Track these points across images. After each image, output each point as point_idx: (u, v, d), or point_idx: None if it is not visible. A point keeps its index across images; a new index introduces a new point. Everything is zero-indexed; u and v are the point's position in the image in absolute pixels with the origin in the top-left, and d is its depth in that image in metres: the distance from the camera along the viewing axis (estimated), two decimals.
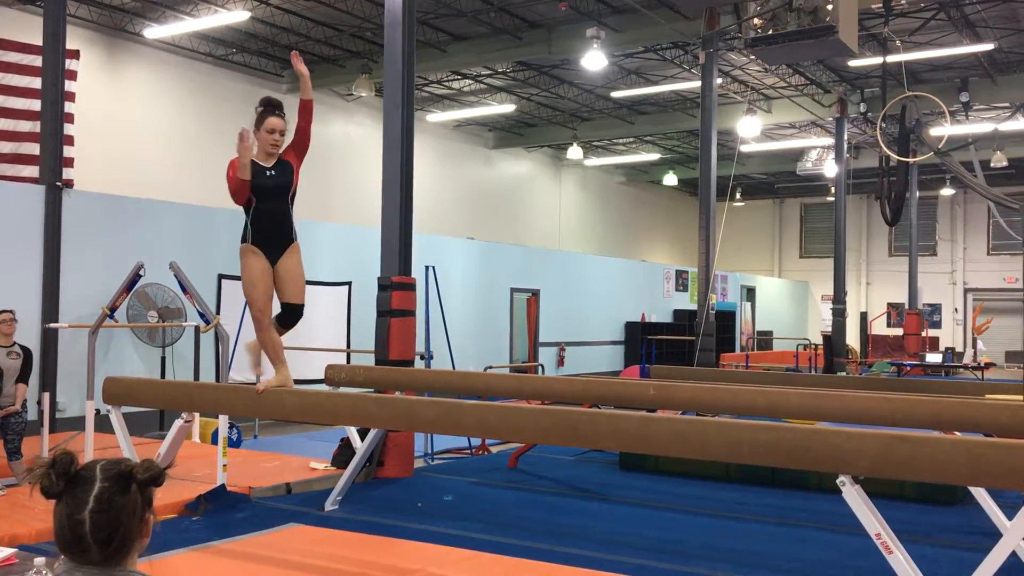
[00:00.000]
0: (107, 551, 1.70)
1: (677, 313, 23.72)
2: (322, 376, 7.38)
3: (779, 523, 6.63)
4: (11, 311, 7.40)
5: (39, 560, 2.92)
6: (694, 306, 20.44)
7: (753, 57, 15.52)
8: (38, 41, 10.87)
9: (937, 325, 29.38)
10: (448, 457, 9.69)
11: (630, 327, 21.77)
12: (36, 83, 11.17)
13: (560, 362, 19.22)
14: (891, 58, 15.25)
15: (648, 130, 22.60)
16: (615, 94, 19.62)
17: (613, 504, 7.29)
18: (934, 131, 19.10)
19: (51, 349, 9.98)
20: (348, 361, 12.20)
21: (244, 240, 5.28)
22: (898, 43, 14.80)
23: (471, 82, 19.20)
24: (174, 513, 6.40)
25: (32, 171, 11.18)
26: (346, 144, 19.51)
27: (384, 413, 5.40)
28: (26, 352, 7.32)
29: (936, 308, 29.74)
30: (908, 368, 19.75)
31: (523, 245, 21.12)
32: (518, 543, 5.74)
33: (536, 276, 18.67)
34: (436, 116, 20.95)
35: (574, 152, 23.10)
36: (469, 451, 9.90)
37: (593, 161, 26.34)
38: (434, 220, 19.59)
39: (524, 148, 24.67)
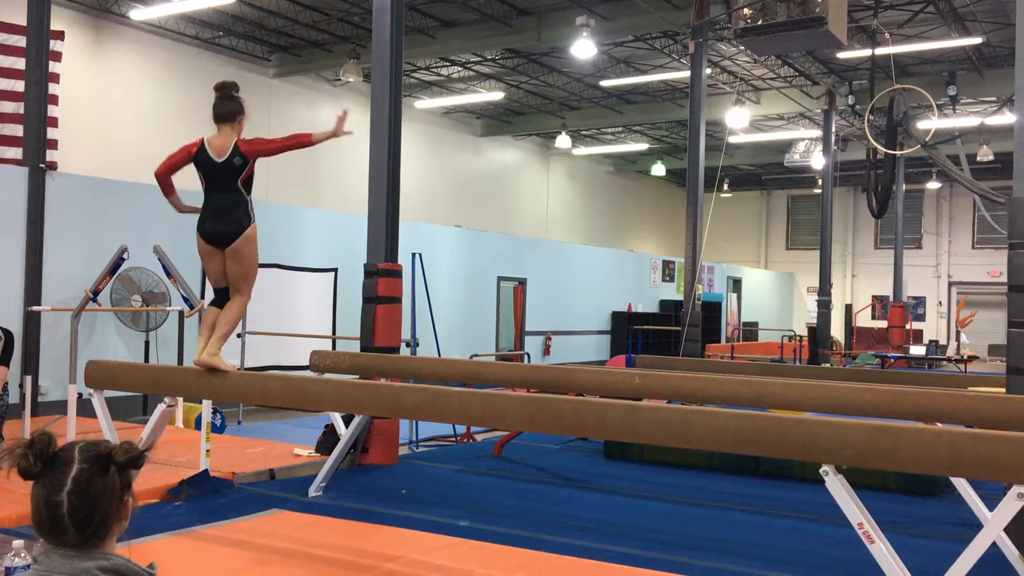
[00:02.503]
0: (85, 534, 1.68)
1: (663, 303, 23.77)
2: (307, 362, 7.35)
3: (762, 512, 6.66)
4: None
5: (18, 543, 2.89)
6: (680, 296, 20.50)
7: (743, 47, 15.53)
8: (22, 21, 10.76)
9: (921, 318, 29.55)
10: (433, 444, 9.69)
11: (616, 317, 21.80)
12: (20, 64, 11.05)
13: (546, 351, 19.23)
14: (880, 50, 15.28)
15: (637, 120, 22.57)
16: (604, 83, 19.58)
17: (597, 492, 7.31)
18: (921, 124, 19.17)
19: (33, 332, 9.90)
20: (333, 347, 12.17)
21: (254, 220, 5.25)
22: (887, 35, 14.82)
23: (460, 69, 19.13)
24: (156, 498, 6.37)
25: (15, 153, 11.07)
26: None
27: (369, 399, 5.38)
28: (7, 335, 7.27)
29: (920, 301, 29.91)
30: (892, 360, 19.88)
31: (510, 234, 21.10)
32: (502, 531, 5.75)
33: (523, 265, 18.66)
34: (424, 103, 20.87)
35: (562, 141, 23.05)
36: (454, 439, 9.90)
37: (581, 150, 26.32)
38: (421, 207, 19.54)
39: (512, 136, 24.61)
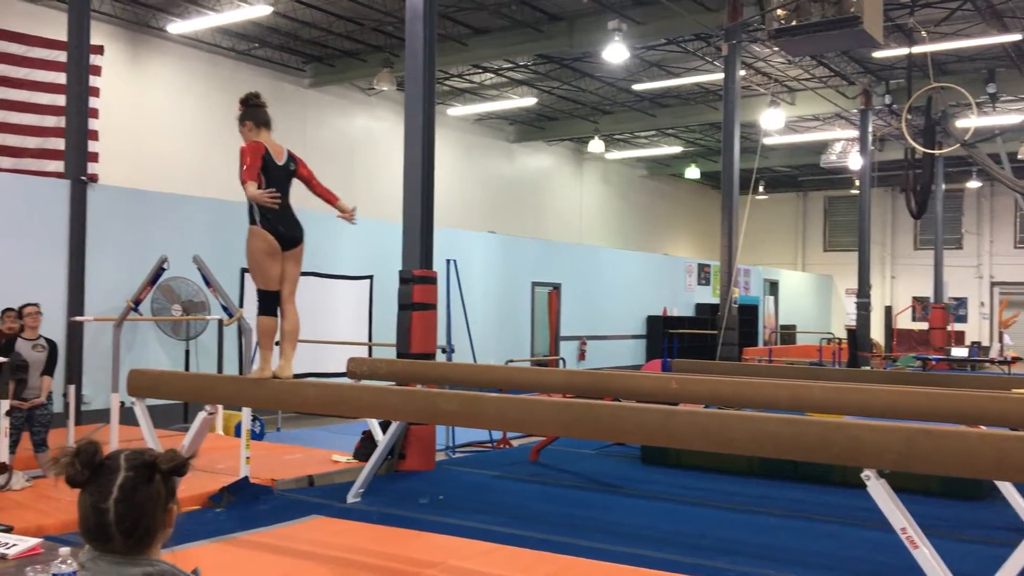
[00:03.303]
0: (131, 541, 1.71)
1: (699, 307, 23.61)
2: (344, 369, 7.40)
3: (802, 518, 6.59)
4: (36, 304, 7.47)
5: (64, 550, 2.94)
6: (716, 300, 20.36)
7: (777, 48, 15.41)
8: (63, 36, 10.96)
9: (963, 319, 29.07)
10: (469, 450, 9.71)
11: (651, 321, 21.70)
12: (61, 78, 11.26)
13: (581, 356, 19.19)
14: (917, 49, 15.10)
15: (670, 123, 22.48)
16: (637, 87, 19.52)
17: (635, 498, 7.27)
18: (960, 123, 18.90)
19: (76, 342, 10.07)
20: (370, 354, 12.23)
21: None
22: (924, 33, 14.64)
23: (492, 76, 19.18)
24: (198, 504, 6.44)
25: (57, 166, 11.28)
26: (367, 138, 19.55)
27: (406, 406, 5.41)
28: (51, 345, 7.39)
29: (962, 302, 29.43)
30: (933, 363, 19.58)
31: (544, 239, 21.09)
32: (539, 536, 5.73)
33: (557, 270, 18.64)
34: (457, 110, 20.95)
35: (595, 145, 23.02)
36: (490, 444, 9.91)
37: (614, 154, 26.25)
38: (455, 214, 19.59)
39: (545, 142, 24.62)
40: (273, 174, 5.34)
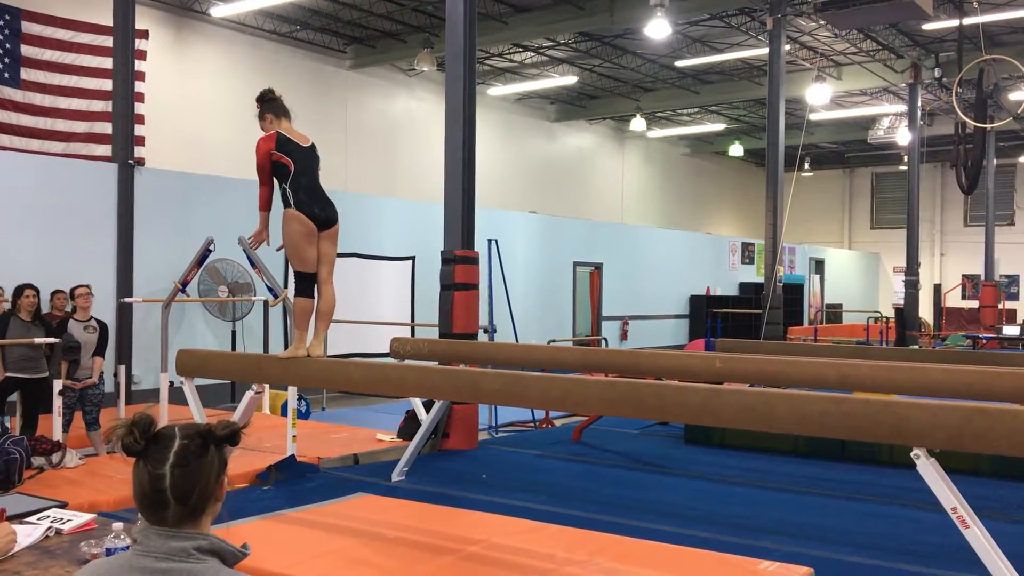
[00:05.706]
0: (186, 508, 1.73)
1: (743, 286, 23.40)
2: (387, 349, 7.45)
3: (849, 498, 6.52)
4: (87, 286, 7.62)
5: (117, 525, 3.01)
6: (760, 279, 20.13)
7: (823, 22, 15.12)
8: (108, 22, 11.10)
9: (1015, 297, 28.45)
10: (512, 430, 9.74)
11: (695, 300, 21.55)
12: (107, 63, 11.43)
13: (623, 336, 19.13)
14: (968, 20, 14.73)
15: (713, 100, 22.19)
16: (679, 63, 19.29)
17: (678, 478, 7.25)
18: (1013, 96, 18.43)
19: (126, 323, 10.26)
20: (412, 334, 12.30)
21: None
22: (975, 4, 14.27)
23: (533, 54, 19.07)
24: (246, 482, 6.55)
25: (105, 150, 11.47)
26: (409, 120, 19.57)
27: (449, 385, 5.43)
28: (102, 326, 7.53)
29: (1014, 279, 28.80)
30: (984, 341, 19.19)
31: (586, 218, 21.00)
32: (583, 515, 5.75)
33: (599, 249, 18.56)
34: (498, 90, 20.88)
35: (637, 124, 22.82)
36: (533, 424, 9.93)
37: (656, 132, 26.01)
38: (496, 194, 19.57)
39: (586, 120, 24.46)
40: (299, 156, 5.42)
